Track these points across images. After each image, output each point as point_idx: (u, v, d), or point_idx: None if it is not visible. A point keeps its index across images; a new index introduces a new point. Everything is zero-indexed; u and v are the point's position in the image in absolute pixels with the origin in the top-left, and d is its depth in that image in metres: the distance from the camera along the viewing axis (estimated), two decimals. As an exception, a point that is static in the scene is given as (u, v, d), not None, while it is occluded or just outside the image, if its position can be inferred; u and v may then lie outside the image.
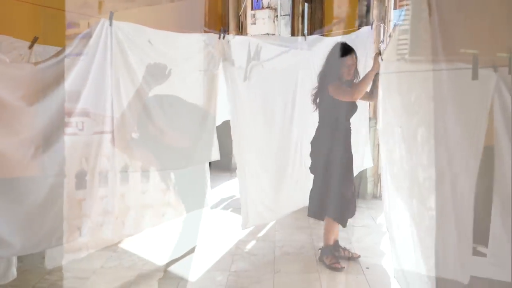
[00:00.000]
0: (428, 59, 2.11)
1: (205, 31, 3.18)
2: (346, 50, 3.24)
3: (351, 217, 3.34)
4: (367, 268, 3.22)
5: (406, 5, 4.61)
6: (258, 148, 3.39)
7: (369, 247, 3.59)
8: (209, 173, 3.52)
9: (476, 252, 2.19)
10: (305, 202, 3.73)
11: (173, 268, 3.23)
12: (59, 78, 2.35)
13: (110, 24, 2.55)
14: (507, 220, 2.05)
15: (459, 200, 2.11)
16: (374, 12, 4.66)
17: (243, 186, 3.26)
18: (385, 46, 3.28)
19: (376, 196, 4.82)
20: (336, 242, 3.35)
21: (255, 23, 7.12)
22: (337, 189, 3.21)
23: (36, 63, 2.37)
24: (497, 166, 2.04)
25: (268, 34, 6.87)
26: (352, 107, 3.28)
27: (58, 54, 2.37)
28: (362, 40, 4.02)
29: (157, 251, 3.45)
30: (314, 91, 3.34)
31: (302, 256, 3.46)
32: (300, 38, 4.01)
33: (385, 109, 2.89)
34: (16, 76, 2.29)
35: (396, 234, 2.76)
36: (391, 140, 2.72)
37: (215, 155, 3.30)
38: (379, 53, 3.05)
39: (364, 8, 4.80)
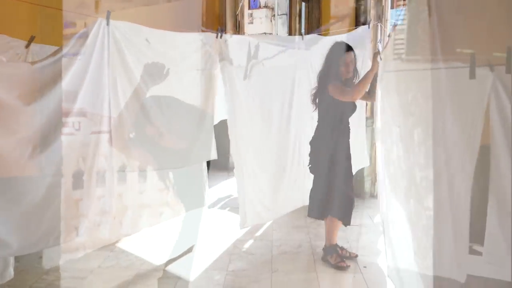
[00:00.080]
0: (426, 58, 2.11)
1: (203, 31, 3.18)
2: (344, 47, 3.26)
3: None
4: (365, 267, 3.23)
5: (403, 5, 4.62)
6: (255, 147, 3.39)
7: (366, 246, 3.60)
8: (207, 172, 3.52)
9: (471, 251, 2.20)
10: (304, 201, 3.74)
11: (170, 268, 3.23)
12: (56, 78, 2.35)
13: (107, 24, 2.54)
14: (502, 219, 2.06)
15: (455, 200, 2.12)
16: (371, 12, 4.67)
17: (241, 186, 3.26)
18: (384, 45, 3.28)
19: (373, 195, 4.83)
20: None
21: (252, 23, 7.11)
22: (339, 188, 3.22)
23: (33, 63, 2.36)
24: (493, 165, 2.04)
25: (265, 33, 6.86)
26: (352, 107, 3.30)
27: (55, 53, 2.36)
28: (359, 40, 4.03)
29: (155, 251, 3.45)
30: (314, 91, 3.35)
31: (300, 255, 3.47)
32: (297, 37, 4.01)
33: (383, 108, 2.90)
34: (13, 75, 2.29)
35: (393, 233, 2.76)
36: (388, 140, 2.73)
37: (213, 155, 3.30)
38: (378, 53, 3.06)
39: (362, 8, 4.81)
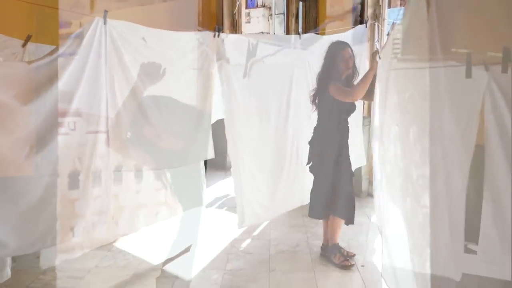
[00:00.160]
0: (424, 57, 2.12)
1: (199, 30, 3.17)
2: (342, 44, 3.28)
3: None
4: (362, 266, 3.23)
5: (401, 4, 4.63)
6: (253, 147, 3.39)
7: (363, 245, 3.60)
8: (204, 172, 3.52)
9: (466, 250, 2.21)
10: (302, 201, 3.75)
11: (168, 267, 3.23)
12: (53, 77, 2.34)
13: (104, 23, 2.53)
14: (497, 218, 2.07)
15: (451, 198, 2.13)
16: (369, 11, 4.67)
17: (238, 186, 3.26)
18: (383, 44, 3.29)
19: (371, 194, 4.84)
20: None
21: (249, 22, 7.11)
22: (341, 188, 3.23)
23: (29, 62, 2.36)
24: (488, 164, 2.05)
25: (262, 32, 6.86)
26: (352, 107, 3.31)
27: (51, 53, 2.36)
28: (356, 39, 4.03)
29: (152, 250, 3.45)
30: (313, 92, 3.35)
31: (297, 254, 3.47)
32: (294, 36, 4.01)
33: (382, 107, 2.90)
34: (9, 75, 2.28)
35: (389, 232, 2.77)
36: (386, 139, 2.73)
37: (210, 154, 3.30)
38: (376, 52, 3.07)
39: (359, 7, 4.82)
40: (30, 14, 4.39)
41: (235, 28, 6.66)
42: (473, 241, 2.20)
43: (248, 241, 3.73)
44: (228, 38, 3.20)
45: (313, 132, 3.38)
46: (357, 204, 3.36)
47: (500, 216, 2.05)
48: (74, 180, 2.55)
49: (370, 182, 4.87)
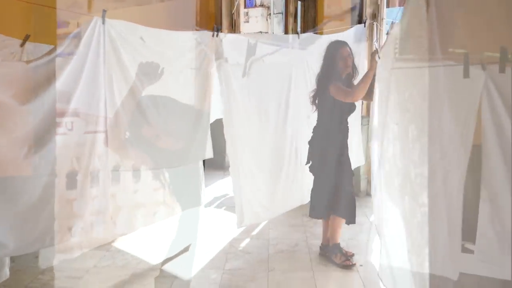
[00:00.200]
0: (424, 56, 2.12)
1: (197, 30, 3.18)
2: (340, 43, 3.29)
3: None
4: (361, 265, 3.24)
5: (399, 4, 4.63)
6: (252, 147, 3.39)
7: (362, 245, 3.61)
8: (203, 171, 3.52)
9: (464, 249, 2.22)
10: (302, 200, 3.75)
11: (167, 267, 3.22)
12: (51, 77, 2.34)
13: (103, 22, 2.53)
14: (494, 217, 2.08)
15: (449, 198, 2.13)
16: (367, 11, 4.68)
17: (237, 185, 3.25)
18: (382, 44, 3.29)
19: (369, 194, 4.84)
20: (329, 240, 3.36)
21: (248, 21, 7.10)
22: (342, 188, 3.23)
23: (28, 62, 2.35)
24: (485, 164, 2.06)
25: (261, 32, 6.86)
26: (352, 107, 3.32)
27: (50, 52, 2.36)
28: (355, 38, 4.04)
29: (151, 250, 3.45)
30: (313, 93, 3.35)
31: (296, 254, 3.47)
32: (292, 36, 4.01)
33: (381, 107, 2.90)
34: (8, 74, 2.28)
35: (386, 231, 2.77)
36: (386, 138, 2.74)
37: (209, 153, 3.30)
38: (375, 52, 3.07)
39: (357, 7, 4.82)
40: (28, 14, 4.38)
41: (233, 27, 6.66)
42: (470, 241, 2.21)
43: (247, 240, 3.73)
44: (226, 37, 3.19)
45: (312, 132, 3.38)
46: (356, 203, 3.37)
47: (497, 216, 2.06)
48: (72, 180, 2.55)
49: (369, 182, 4.88)
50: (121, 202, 2.95)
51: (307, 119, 3.65)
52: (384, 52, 2.89)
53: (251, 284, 2.98)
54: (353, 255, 3.37)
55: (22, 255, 2.69)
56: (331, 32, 4.05)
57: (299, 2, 5.72)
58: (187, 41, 3.06)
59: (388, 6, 4.88)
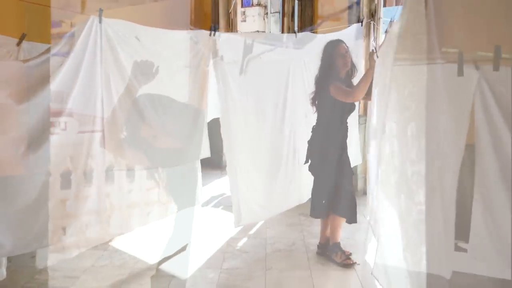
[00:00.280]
0: (422, 55, 2.13)
1: (191, 29, 3.18)
2: (336, 42, 3.29)
3: None
4: (358, 264, 3.24)
5: (397, 3, 4.64)
6: (249, 146, 3.39)
7: (359, 244, 3.61)
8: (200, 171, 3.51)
9: (457, 248, 2.23)
10: (300, 200, 3.75)
11: (164, 266, 3.22)
12: (48, 76, 2.33)
13: (100, 21, 2.53)
14: (487, 216, 2.09)
15: (443, 196, 2.14)
16: (364, 10, 4.68)
17: (234, 185, 3.25)
18: (381, 43, 3.30)
19: (366, 193, 4.85)
20: (328, 239, 3.37)
21: (245, 21, 7.08)
22: (342, 187, 3.24)
23: (24, 61, 2.35)
24: (478, 163, 2.07)
25: (258, 31, 6.85)
26: (351, 107, 3.32)
27: (47, 51, 2.35)
28: (352, 37, 4.04)
29: (149, 250, 3.44)
30: (312, 95, 3.34)
31: (294, 253, 3.47)
32: (287, 35, 4.01)
33: (380, 105, 2.90)
34: (4, 73, 2.27)
35: (382, 230, 2.77)
36: (384, 136, 2.74)
37: (206, 152, 3.30)
38: (374, 51, 3.07)
39: (354, 6, 4.82)
40: (22, 12, 4.36)
41: (230, 27, 6.64)
42: (463, 239, 2.22)
43: (244, 240, 3.73)
44: (223, 36, 3.19)
45: (312, 132, 3.37)
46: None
47: (490, 215, 2.07)
48: (66, 180, 2.54)
49: (366, 181, 4.88)
50: (116, 202, 2.95)
51: (305, 118, 3.65)
52: (383, 50, 2.90)
53: (249, 283, 2.98)
54: (350, 254, 3.37)
55: (18, 255, 2.69)
56: (328, 31, 4.06)
57: (296, 1, 5.72)
58: (184, 40, 3.06)
59: (385, 5, 4.89)
